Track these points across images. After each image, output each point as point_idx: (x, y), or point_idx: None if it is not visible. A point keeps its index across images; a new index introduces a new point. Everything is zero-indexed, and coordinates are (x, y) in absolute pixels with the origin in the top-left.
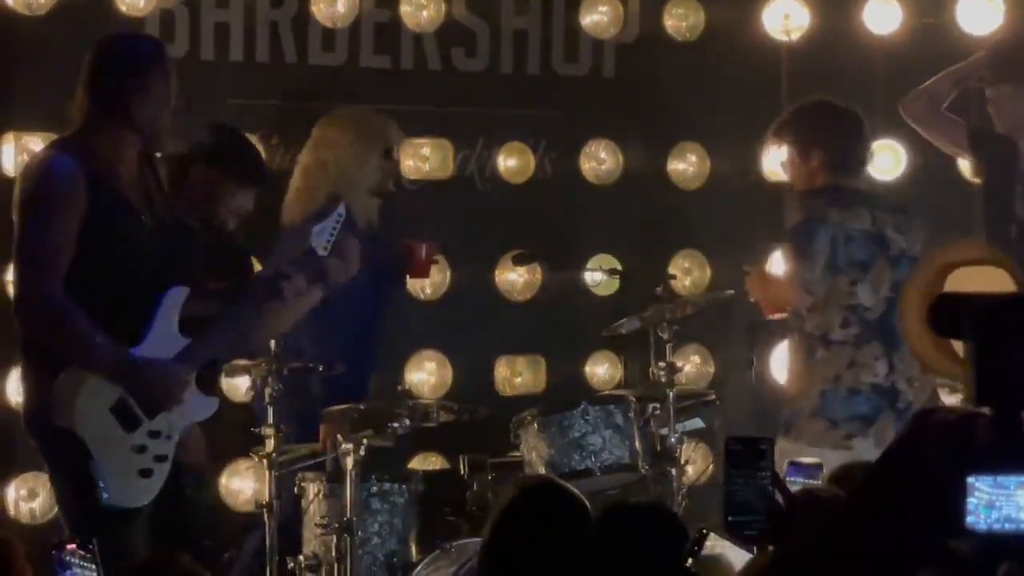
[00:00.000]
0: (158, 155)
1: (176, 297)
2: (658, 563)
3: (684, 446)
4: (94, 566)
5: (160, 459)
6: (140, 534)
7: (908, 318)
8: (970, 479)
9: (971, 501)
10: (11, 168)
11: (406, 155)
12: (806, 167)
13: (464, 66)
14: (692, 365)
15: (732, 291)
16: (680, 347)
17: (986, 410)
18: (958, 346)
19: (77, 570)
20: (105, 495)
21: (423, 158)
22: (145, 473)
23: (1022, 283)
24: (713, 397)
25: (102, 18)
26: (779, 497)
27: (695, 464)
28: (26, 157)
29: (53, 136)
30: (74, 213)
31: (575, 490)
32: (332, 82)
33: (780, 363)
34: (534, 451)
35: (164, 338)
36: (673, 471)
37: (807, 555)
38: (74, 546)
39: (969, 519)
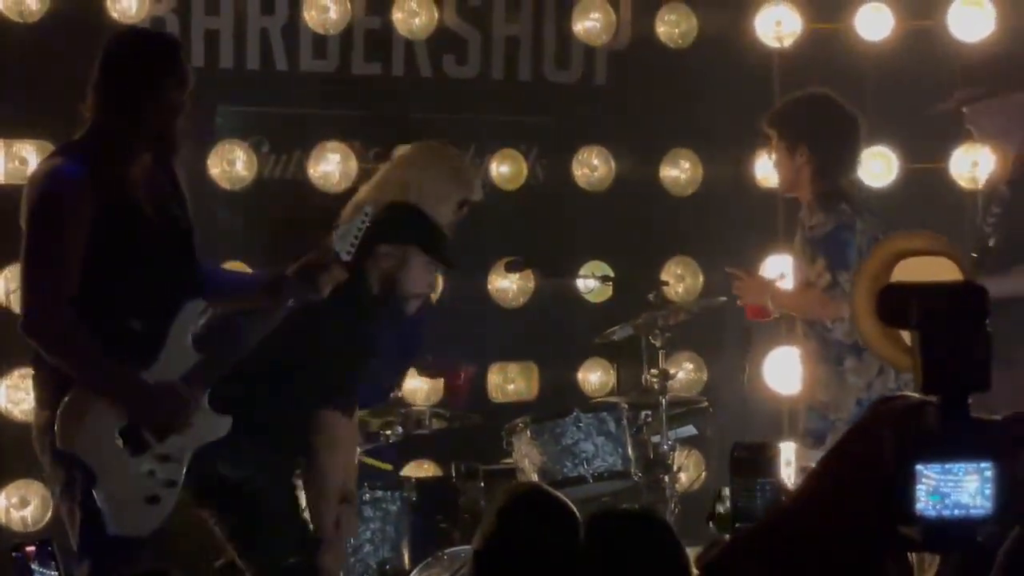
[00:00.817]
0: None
1: (191, 311)
2: (647, 571)
3: (677, 453)
4: (55, 572)
5: (169, 484)
6: (153, 558)
7: (858, 308)
8: (918, 467)
9: (920, 488)
10: (1, 175)
11: None
12: (791, 164)
13: (455, 73)
14: (685, 372)
15: (725, 298)
16: (673, 354)
17: (933, 398)
18: (906, 335)
19: (37, 575)
20: (109, 524)
21: None
22: (152, 500)
23: (968, 272)
24: (706, 404)
25: (93, 25)
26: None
27: (688, 471)
28: (17, 164)
29: (45, 143)
30: (82, 223)
31: (563, 497)
32: (323, 89)
33: (775, 370)
34: (526, 458)
35: (178, 354)
36: (666, 478)
37: (762, 536)
38: (33, 549)
39: (919, 506)
